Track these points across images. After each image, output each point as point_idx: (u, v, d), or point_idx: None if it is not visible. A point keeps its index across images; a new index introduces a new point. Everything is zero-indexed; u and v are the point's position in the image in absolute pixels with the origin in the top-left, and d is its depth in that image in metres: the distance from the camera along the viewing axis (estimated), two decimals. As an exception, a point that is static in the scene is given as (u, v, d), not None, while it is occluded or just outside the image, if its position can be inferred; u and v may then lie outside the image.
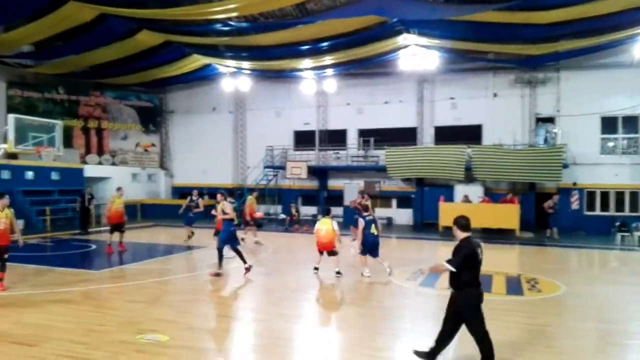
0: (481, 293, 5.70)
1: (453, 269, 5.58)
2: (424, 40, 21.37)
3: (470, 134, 24.76)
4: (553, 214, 19.85)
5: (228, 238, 11.20)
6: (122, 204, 14.84)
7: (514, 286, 10.68)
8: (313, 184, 27.91)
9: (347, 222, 20.66)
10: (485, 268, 12.37)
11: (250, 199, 17.21)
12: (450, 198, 22.77)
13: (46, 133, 18.02)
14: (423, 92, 26.14)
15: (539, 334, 7.24)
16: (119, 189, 15.04)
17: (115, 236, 14.64)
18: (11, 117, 16.84)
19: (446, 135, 25.34)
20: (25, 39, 22.04)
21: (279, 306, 8.65)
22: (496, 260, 14.51)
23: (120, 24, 20.78)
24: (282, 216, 25.80)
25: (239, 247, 11.47)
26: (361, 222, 11.65)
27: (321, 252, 11.62)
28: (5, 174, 20.91)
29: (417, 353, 5.94)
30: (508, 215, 19.87)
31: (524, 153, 22.41)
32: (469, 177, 22.91)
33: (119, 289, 9.85)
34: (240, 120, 30.26)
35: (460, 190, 22.98)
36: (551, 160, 21.45)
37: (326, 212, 12.08)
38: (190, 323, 7.49)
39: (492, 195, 22.66)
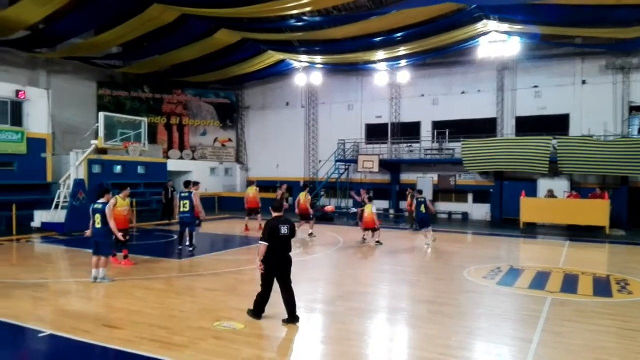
0: (278, 260, 7.06)
1: (265, 244, 7.00)
2: (505, 27, 20.32)
3: (555, 125, 23.34)
4: None
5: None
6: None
7: (602, 287, 9.92)
8: (385, 178, 27.60)
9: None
10: (571, 267, 11.76)
11: (303, 194, 16.96)
12: (532, 193, 21.59)
13: (133, 130, 19.13)
14: (503, 81, 24.96)
15: (629, 339, 6.66)
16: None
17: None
18: (102, 115, 18.02)
19: (529, 126, 24.04)
20: (114, 42, 23.57)
21: (350, 300, 8.61)
22: (583, 260, 13.61)
23: (200, 24, 21.66)
24: (354, 210, 25.74)
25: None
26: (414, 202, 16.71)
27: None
28: (97, 168, 22.55)
29: (286, 320, 7.10)
30: (597, 212, 18.43)
31: (615, 144, 20.72)
32: (554, 171, 21.61)
33: (198, 278, 10.28)
34: (313, 115, 30.53)
35: (544, 185, 21.79)
36: (647, 152, 19.71)
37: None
38: (264, 313, 7.64)
39: (579, 190, 21.22)
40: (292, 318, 7.09)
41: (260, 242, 7.09)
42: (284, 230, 7.08)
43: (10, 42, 21.88)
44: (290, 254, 7.23)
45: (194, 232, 13.25)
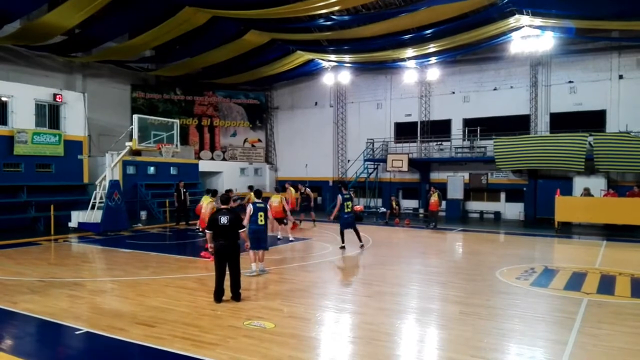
0: (221, 245, 8.14)
1: (209, 232, 8.36)
2: (538, 21, 19.85)
3: (591, 121, 22.68)
4: None
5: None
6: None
7: (641, 288, 9.59)
8: (414, 176, 27.35)
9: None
10: (608, 268, 11.41)
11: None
12: (568, 191, 21.04)
13: (165, 131, 19.48)
14: (537, 77, 24.38)
15: (671, 343, 6.40)
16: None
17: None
18: (135, 117, 18.41)
19: (564, 122, 23.41)
20: (147, 45, 24.08)
21: (380, 300, 8.56)
22: (621, 260, 13.16)
23: (230, 26, 21.95)
24: (383, 210, 25.62)
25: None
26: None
27: None
28: (131, 169, 23.12)
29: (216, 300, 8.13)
30: (635, 210, 17.79)
31: (655, 141, 20.00)
32: (590, 168, 21.01)
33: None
34: (341, 114, 30.50)
35: (579, 183, 21.23)
36: (689, 148, 18.93)
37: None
38: (294, 312, 7.69)
39: (616, 188, 20.56)
40: (234, 297, 8.24)
41: (207, 231, 8.41)
42: (223, 220, 8.17)
43: (48, 47, 22.63)
44: (239, 241, 8.32)
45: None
